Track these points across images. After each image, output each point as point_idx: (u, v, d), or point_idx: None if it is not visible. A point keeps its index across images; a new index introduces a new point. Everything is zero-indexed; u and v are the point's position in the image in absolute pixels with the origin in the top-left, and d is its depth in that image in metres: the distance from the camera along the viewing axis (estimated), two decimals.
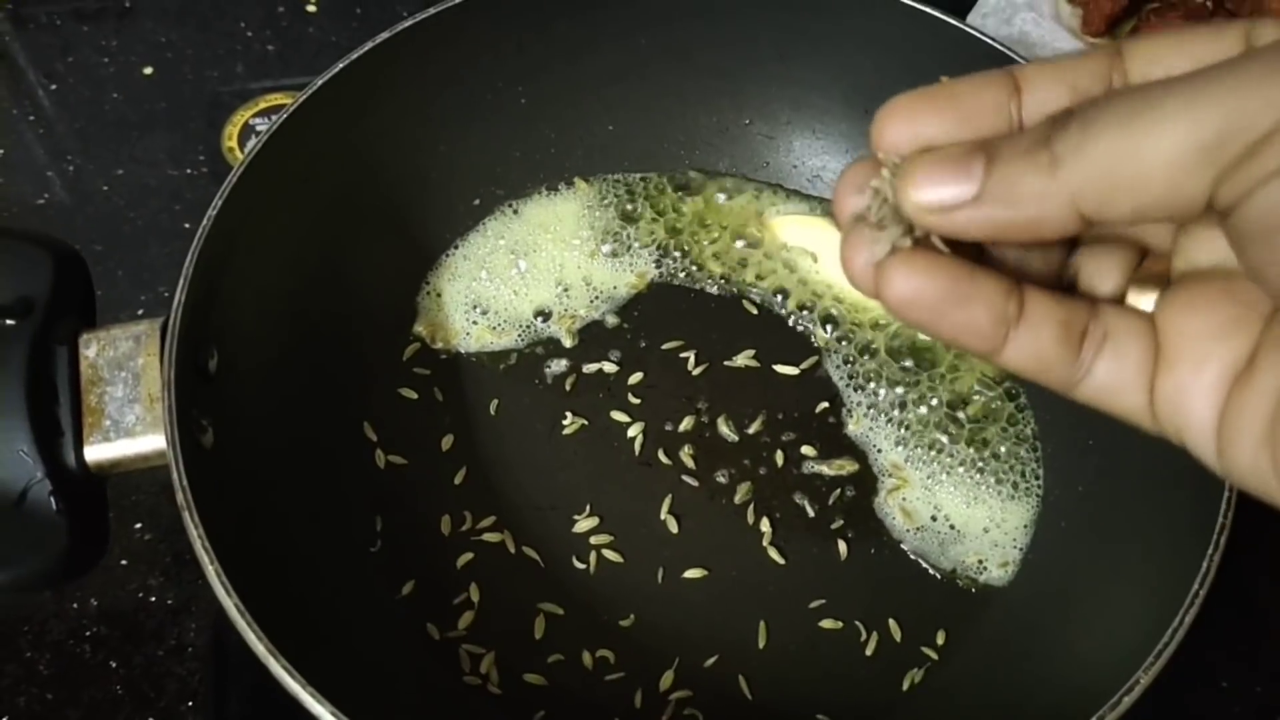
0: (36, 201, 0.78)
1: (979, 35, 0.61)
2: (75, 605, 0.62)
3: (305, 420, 0.58)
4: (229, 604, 0.44)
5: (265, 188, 0.56)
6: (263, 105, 0.81)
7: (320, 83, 0.57)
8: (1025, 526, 0.59)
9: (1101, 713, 0.44)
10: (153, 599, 0.63)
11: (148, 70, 0.84)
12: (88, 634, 0.61)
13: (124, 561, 0.64)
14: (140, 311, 0.72)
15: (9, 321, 0.49)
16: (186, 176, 0.79)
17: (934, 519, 0.60)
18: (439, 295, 0.65)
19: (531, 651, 0.56)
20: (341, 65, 0.58)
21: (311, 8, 0.88)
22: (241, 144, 0.79)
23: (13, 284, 0.49)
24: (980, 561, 0.59)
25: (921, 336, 0.65)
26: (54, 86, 0.84)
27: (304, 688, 0.43)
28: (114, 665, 0.61)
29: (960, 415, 0.62)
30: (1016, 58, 0.60)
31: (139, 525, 0.65)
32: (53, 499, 0.47)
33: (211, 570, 0.45)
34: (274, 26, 0.87)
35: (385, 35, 0.59)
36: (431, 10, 0.60)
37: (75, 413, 0.49)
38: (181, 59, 0.85)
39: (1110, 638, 0.50)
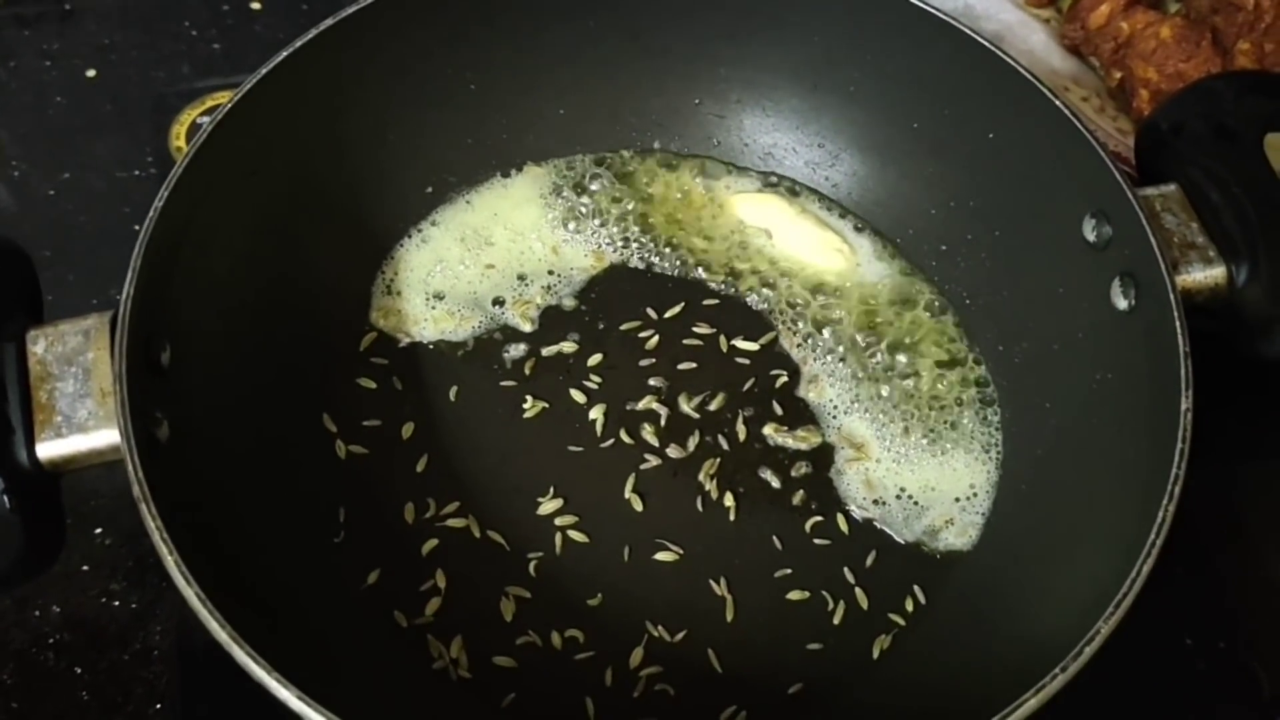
0: None
1: (925, 7, 0.62)
2: (37, 613, 0.61)
3: (263, 412, 0.57)
4: (190, 594, 0.44)
5: (213, 179, 0.55)
6: (209, 104, 0.80)
7: (264, 72, 0.57)
8: (986, 491, 0.60)
9: (1065, 663, 0.44)
10: (115, 603, 0.62)
11: (91, 73, 0.83)
12: (50, 641, 0.60)
13: (85, 567, 0.62)
14: None
15: None
16: (134, 178, 0.78)
17: (895, 487, 0.60)
18: (395, 283, 0.65)
19: (500, 635, 0.56)
20: (285, 54, 0.58)
21: (256, 5, 0.87)
22: (189, 143, 0.78)
23: None
24: (944, 526, 0.59)
25: (879, 309, 0.65)
26: None
27: (269, 673, 0.42)
28: (79, 671, 0.60)
29: (918, 384, 0.63)
30: (967, 31, 0.61)
31: (99, 530, 0.64)
32: (5, 498, 0.47)
33: (171, 561, 0.44)
34: (219, 25, 0.86)
35: (329, 22, 0.59)
36: None
37: (25, 410, 0.48)
38: (125, 60, 0.84)
39: (1073, 594, 0.51)
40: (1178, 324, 0.51)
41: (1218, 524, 0.65)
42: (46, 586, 0.62)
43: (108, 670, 0.60)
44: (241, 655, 0.43)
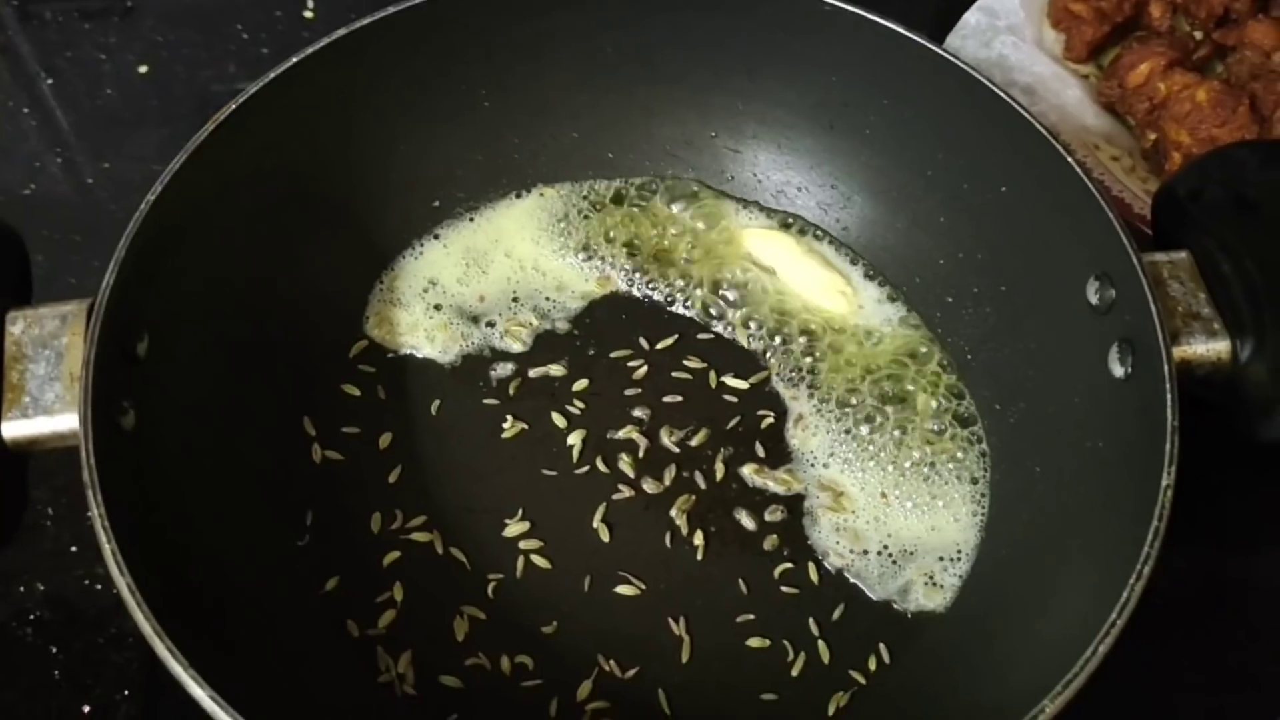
0: (23, 191, 0.79)
1: (949, 58, 0.60)
2: (21, 588, 0.62)
3: (241, 410, 0.58)
4: (122, 583, 0.44)
5: (214, 174, 0.56)
6: None
7: (273, 75, 0.57)
8: (967, 554, 0.58)
9: None
10: (98, 587, 0.62)
11: (143, 69, 0.86)
12: (31, 617, 0.61)
13: (73, 548, 0.64)
14: None
15: None
16: None
17: (874, 541, 0.58)
18: (392, 294, 0.65)
19: (450, 653, 0.55)
20: (296, 59, 0.58)
21: (309, 13, 0.89)
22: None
23: None
24: (920, 585, 0.57)
25: (877, 357, 0.64)
26: (51, 81, 0.85)
27: (185, 670, 0.42)
28: (54, 651, 0.61)
29: (909, 438, 0.61)
30: (986, 83, 0.59)
31: (92, 514, 0.65)
32: None
33: (109, 549, 0.45)
34: (270, 30, 0.88)
35: (342, 31, 0.59)
36: (391, 9, 0.60)
37: None
38: (177, 59, 0.86)
39: (1037, 665, 0.48)
40: (1168, 396, 0.49)
41: (1221, 612, 0.63)
42: (33, 563, 0.63)
43: (82, 652, 0.60)
44: (162, 649, 0.43)
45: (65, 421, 0.49)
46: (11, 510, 0.51)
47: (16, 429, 0.49)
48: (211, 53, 0.87)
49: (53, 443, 0.49)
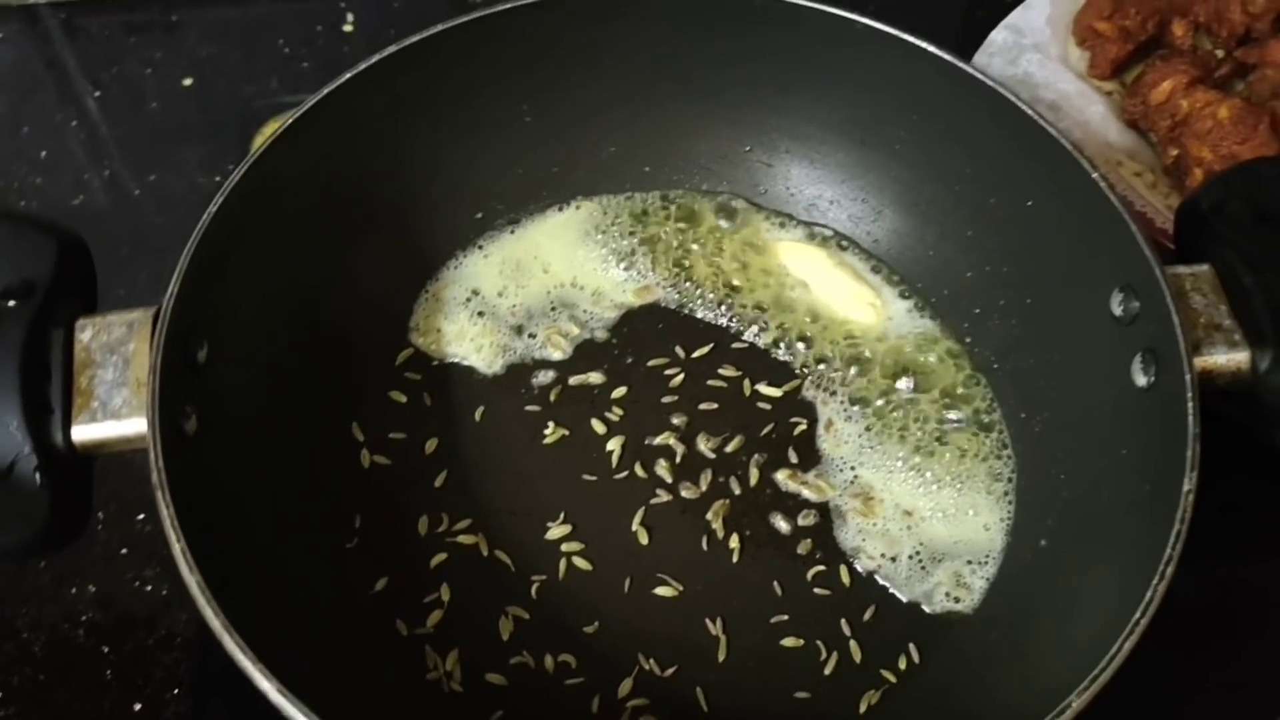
0: (72, 202, 0.81)
1: (977, 75, 0.62)
2: (74, 590, 0.64)
3: (293, 416, 0.60)
4: (191, 581, 0.46)
5: (269, 187, 0.58)
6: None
7: (325, 92, 0.60)
8: (994, 557, 0.60)
9: None
10: (148, 589, 0.64)
11: (187, 82, 0.88)
12: (83, 619, 0.63)
13: (123, 550, 0.66)
14: None
15: (10, 303, 0.51)
16: (215, 185, 0.78)
17: (904, 545, 0.60)
18: (436, 304, 0.67)
19: (495, 652, 0.57)
20: (347, 76, 0.60)
21: (348, 28, 0.91)
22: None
23: (16, 266, 0.52)
24: (948, 588, 0.59)
25: (906, 368, 0.65)
26: (98, 94, 0.87)
27: (254, 664, 0.44)
28: (105, 651, 0.62)
29: (938, 447, 0.63)
30: (1014, 99, 0.61)
31: (141, 516, 0.67)
32: (37, 474, 0.50)
33: (178, 548, 0.47)
34: (311, 44, 0.90)
35: (391, 49, 0.61)
36: (439, 27, 0.62)
37: (66, 393, 0.51)
38: (220, 73, 0.88)
39: (1064, 664, 0.50)
40: (1190, 404, 0.51)
41: (1241, 621, 0.64)
42: (85, 566, 0.65)
43: (132, 652, 0.62)
44: (230, 644, 0.45)
45: (132, 425, 0.51)
46: (81, 511, 0.53)
47: (86, 432, 0.51)
48: (254, 67, 0.89)
49: (119, 446, 0.51)
